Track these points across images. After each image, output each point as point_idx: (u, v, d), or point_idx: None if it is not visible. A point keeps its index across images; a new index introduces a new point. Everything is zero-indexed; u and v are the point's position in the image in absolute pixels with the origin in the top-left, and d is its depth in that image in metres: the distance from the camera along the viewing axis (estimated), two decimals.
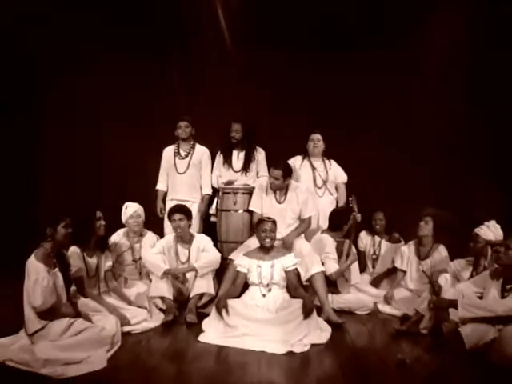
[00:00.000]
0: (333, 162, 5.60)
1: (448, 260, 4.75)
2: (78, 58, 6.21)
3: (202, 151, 5.46)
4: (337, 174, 5.57)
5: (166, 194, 5.54)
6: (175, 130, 5.41)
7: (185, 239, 4.72)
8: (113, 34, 6.10)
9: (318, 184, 5.46)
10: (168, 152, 5.50)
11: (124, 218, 4.88)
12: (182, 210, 4.68)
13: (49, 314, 3.48)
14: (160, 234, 5.20)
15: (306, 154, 5.57)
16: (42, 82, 6.44)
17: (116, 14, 6.09)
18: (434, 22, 6.12)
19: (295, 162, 5.48)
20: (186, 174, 5.38)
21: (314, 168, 5.50)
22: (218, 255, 4.71)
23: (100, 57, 6.18)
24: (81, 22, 6.11)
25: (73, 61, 6.23)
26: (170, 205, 5.34)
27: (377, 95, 6.09)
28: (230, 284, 4.49)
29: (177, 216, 4.62)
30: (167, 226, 5.29)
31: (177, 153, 5.44)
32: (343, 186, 5.61)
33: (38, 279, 3.43)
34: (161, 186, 5.53)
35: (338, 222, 4.92)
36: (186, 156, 5.41)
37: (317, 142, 5.48)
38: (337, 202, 5.41)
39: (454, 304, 3.48)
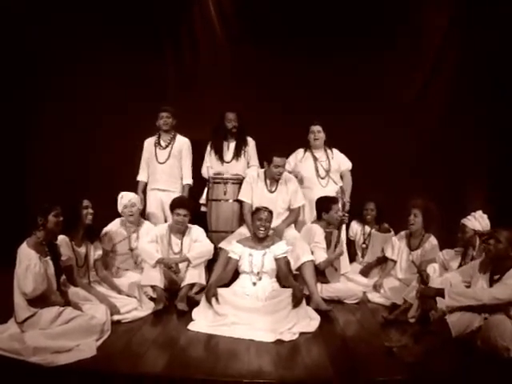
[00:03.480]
0: (335, 150, 5.55)
1: (438, 250, 4.79)
2: (71, 52, 6.18)
3: (182, 142, 5.45)
4: (340, 162, 5.52)
5: (146, 184, 5.53)
6: (156, 120, 5.40)
7: (180, 230, 4.75)
8: (105, 31, 6.11)
9: (320, 174, 5.42)
10: (149, 142, 5.50)
11: (119, 207, 4.92)
12: (187, 206, 4.70)
13: (39, 301, 3.50)
14: None
15: (307, 146, 5.54)
16: (34, 75, 6.38)
17: (109, 10, 6.07)
18: (426, 21, 6.17)
19: (297, 155, 5.48)
20: (167, 164, 5.38)
21: (315, 159, 5.47)
22: (211, 246, 4.73)
23: (93, 51, 6.15)
24: (73, 18, 6.09)
25: (65, 55, 6.20)
26: (150, 194, 5.42)
27: (370, 90, 6.11)
28: (220, 272, 4.51)
29: (182, 211, 4.64)
30: (152, 216, 5.35)
31: (157, 143, 5.44)
32: (348, 173, 5.55)
33: (30, 265, 3.45)
34: (141, 177, 5.52)
35: (318, 209, 4.97)
36: (167, 146, 5.41)
37: (317, 133, 5.44)
38: (342, 190, 5.21)
39: (440, 293, 3.51)
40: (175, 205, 4.70)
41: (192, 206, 4.79)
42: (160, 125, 5.39)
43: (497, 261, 3.55)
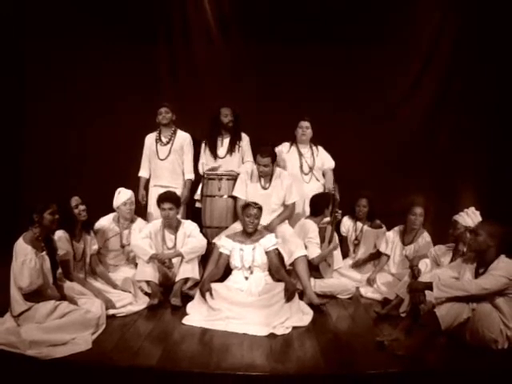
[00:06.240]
0: (320, 148, 5.62)
1: (431, 246, 4.85)
2: (66, 47, 6.22)
3: (183, 137, 5.47)
4: (324, 160, 5.60)
5: (148, 180, 5.55)
6: (156, 117, 5.42)
7: (172, 226, 4.77)
8: (100, 25, 6.14)
9: (304, 170, 5.49)
10: (150, 139, 5.51)
11: (116, 203, 4.90)
12: (172, 199, 4.70)
13: (35, 296, 3.55)
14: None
15: (293, 140, 5.59)
16: (29, 70, 6.43)
17: (103, 3, 6.10)
18: (419, 15, 6.21)
19: (283, 148, 5.51)
20: (168, 160, 5.39)
21: (301, 154, 5.53)
22: (204, 241, 4.75)
23: (88, 46, 6.21)
24: (68, 13, 6.13)
25: (60, 49, 6.24)
26: (152, 191, 5.40)
27: (363, 85, 6.17)
28: (213, 267, 4.54)
29: (166, 205, 4.66)
30: (152, 213, 5.35)
31: (158, 139, 5.45)
32: (330, 171, 5.63)
33: (26, 260, 3.50)
34: (143, 172, 5.54)
35: (319, 206, 4.99)
36: (168, 142, 5.42)
37: (305, 129, 5.50)
38: (324, 188, 5.46)
39: (429, 286, 3.56)
40: (160, 200, 4.72)
41: (177, 198, 4.81)
42: (159, 120, 5.41)
43: (480, 254, 3.62)
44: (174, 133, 5.46)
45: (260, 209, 4.49)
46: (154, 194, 5.33)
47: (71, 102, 6.32)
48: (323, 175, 5.63)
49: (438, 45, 6.22)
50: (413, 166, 6.23)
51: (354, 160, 6.06)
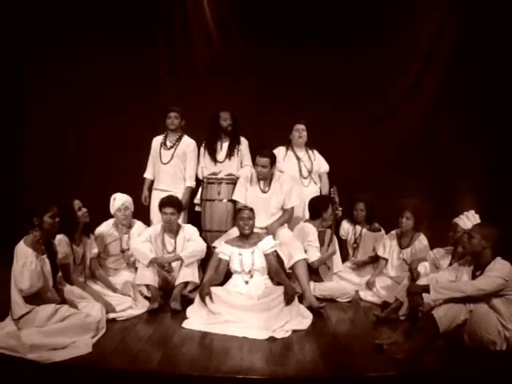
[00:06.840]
0: (316, 152, 5.65)
1: (428, 249, 4.85)
2: (66, 47, 6.23)
3: (187, 143, 5.43)
4: (320, 163, 5.64)
5: (153, 182, 5.54)
6: (165, 120, 5.40)
7: (172, 230, 4.78)
8: (100, 25, 6.15)
9: (303, 174, 5.52)
10: (156, 141, 5.50)
11: (112, 209, 4.89)
12: (174, 204, 4.71)
13: (35, 298, 3.55)
14: (146, 221, 5.26)
15: (289, 144, 5.61)
16: (29, 70, 6.43)
17: (103, 3, 6.11)
18: (419, 15, 6.22)
19: (279, 152, 5.49)
20: (170, 164, 5.37)
21: (298, 159, 5.55)
22: (204, 245, 4.76)
23: (88, 46, 6.22)
24: (68, 13, 6.14)
25: (60, 49, 6.25)
26: (154, 194, 5.41)
27: (363, 85, 6.19)
28: (213, 272, 4.54)
29: (168, 210, 4.66)
30: (154, 215, 5.33)
31: (163, 143, 5.44)
32: (326, 175, 5.69)
33: (27, 263, 3.51)
34: (148, 174, 5.54)
35: (318, 209, 4.99)
36: (172, 147, 5.40)
37: (301, 132, 5.52)
38: (320, 191, 5.50)
39: (426, 289, 3.58)
40: (162, 204, 4.72)
41: (179, 203, 4.82)
42: (167, 124, 5.40)
43: (476, 257, 3.64)
44: (180, 138, 5.43)
45: (252, 210, 4.52)
46: (154, 197, 5.35)
47: (71, 101, 6.33)
48: (319, 178, 5.65)
49: (438, 45, 6.25)
50: (413, 166, 6.25)
51: (353, 160, 6.09)
